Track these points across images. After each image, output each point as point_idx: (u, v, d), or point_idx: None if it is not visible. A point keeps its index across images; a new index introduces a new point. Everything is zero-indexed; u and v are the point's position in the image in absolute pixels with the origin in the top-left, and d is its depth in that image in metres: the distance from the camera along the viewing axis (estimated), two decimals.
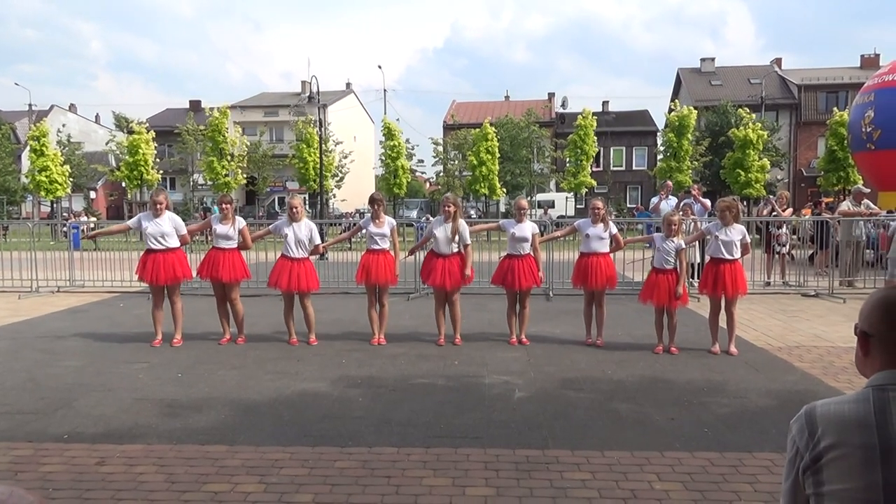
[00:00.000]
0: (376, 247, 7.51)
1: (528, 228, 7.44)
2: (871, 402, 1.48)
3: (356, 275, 7.67)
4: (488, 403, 5.38)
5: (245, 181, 38.85)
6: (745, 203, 28.89)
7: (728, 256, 6.94)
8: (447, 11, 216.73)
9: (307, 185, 35.97)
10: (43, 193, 31.85)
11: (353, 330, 8.12)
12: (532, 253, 7.44)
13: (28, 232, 13.43)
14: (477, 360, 6.81)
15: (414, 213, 36.71)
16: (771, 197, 13.80)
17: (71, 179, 33.39)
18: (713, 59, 51.69)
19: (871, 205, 12.83)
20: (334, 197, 41.36)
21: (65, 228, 20.68)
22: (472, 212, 37.92)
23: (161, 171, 36.16)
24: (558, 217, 30.55)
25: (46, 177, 31.00)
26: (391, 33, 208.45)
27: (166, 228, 7.36)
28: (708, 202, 13.03)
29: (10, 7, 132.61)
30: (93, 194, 47.25)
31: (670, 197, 13.10)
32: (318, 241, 7.63)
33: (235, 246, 7.62)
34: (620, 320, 8.47)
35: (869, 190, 13.12)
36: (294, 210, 7.50)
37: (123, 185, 36.07)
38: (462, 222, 7.41)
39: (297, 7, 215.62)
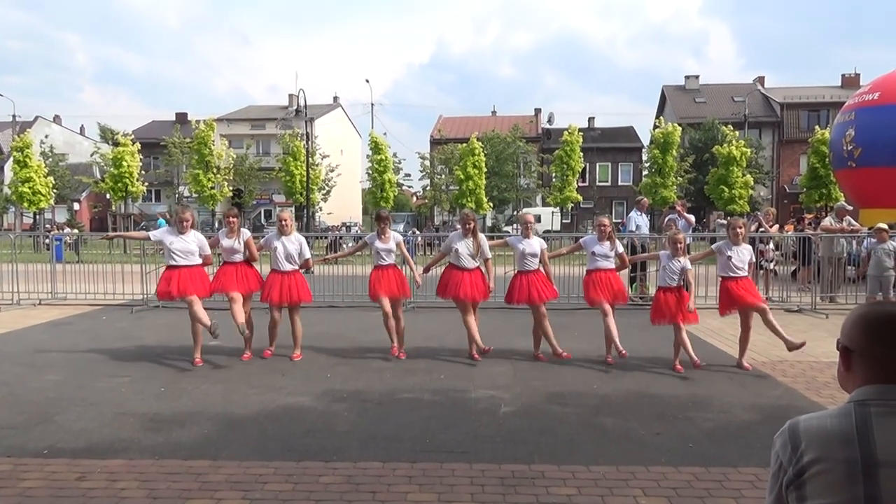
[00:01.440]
0: (383, 262, 7.56)
1: (536, 244, 7.44)
2: (852, 417, 1.49)
3: (369, 292, 7.63)
4: (474, 418, 5.37)
5: (231, 194, 38.72)
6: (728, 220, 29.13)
7: (742, 274, 6.99)
8: (433, 27, 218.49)
9: (294, 199, 35.94)
10: (26, 205, 31.54)
11: (338, 344, 8.08)
12: (542, 268, 7.46)
13: (9, 244, 13.28)
14: (463, 374, 6.80)
15: (401, 227, 36.73)
16: (758, 213, 13.96)
17: (54, 191, 33.10)
18: (697, 77, 52.42)
19: (853, 221, 13.01)
20: (321, 210, 41.32)
21: (47, 240, 20.49)
22: (459, 226, 37.97)
23: (146, 184, 35.94)
24: (544, 232, 30.70)
25: (30, 188, 30.70)
26: (377, 48, 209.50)
27: (192, 247, 7.23)
28: (692, 217, 13.17)
29: None
30: (76, 206, 46.85)
31: (643, 214, 13.20)
32: (307, 255, 7.58)
33: (244, 259, 7.58)
34: (601, 334, 8.47)
35: (851, 207, 13.31)
36: (284, 223, 7.47)
37: (108, 196, 35.81)
38: (483, 236, 7.45)
39: (283, 21, 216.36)
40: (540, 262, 7.43)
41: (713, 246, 7.48)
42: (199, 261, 7.33)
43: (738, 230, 7.08)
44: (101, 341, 8.47)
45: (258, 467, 4.29)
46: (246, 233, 7.65)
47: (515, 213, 42.29)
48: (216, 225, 35.37)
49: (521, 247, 7.41)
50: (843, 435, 1.47)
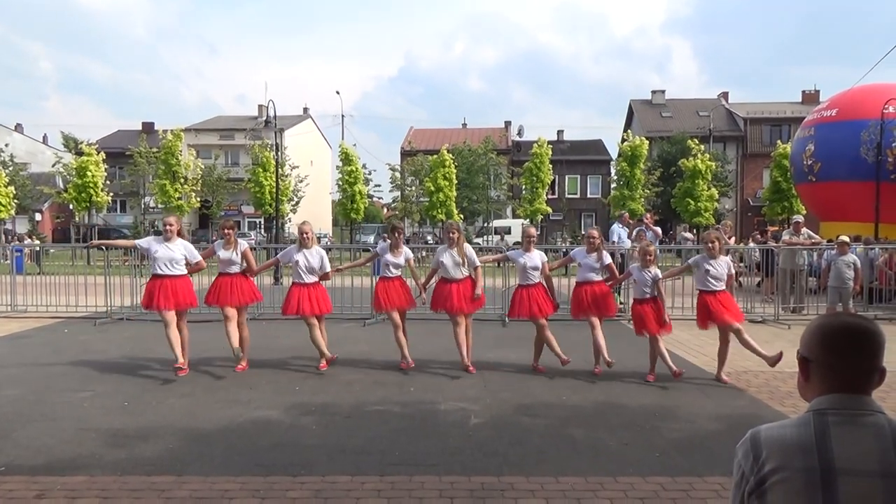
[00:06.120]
0: (390, 274, 7.58)
1: (537, 257, 7.49)
2: (811, 427, 1.53)
3: (374, 304, 7.69)
4: (444, 430, 5.36)
5: (199, 205, 38.20)
6: (694, 232, 29.65)
7: (719, 287, 7.03)
8: (401, 42, 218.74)
9: (263, 210, 35.61)
10: None
11: (307, 356, 8.00)
12: (543, 281, 7.49)
13: None
14: (433, 386, 6.78)
15: (371, 238, 36.60)
16: (718, 226, 14.28)
17: (15, 201, 32.29)
18: (663, 92, 53.37)
19: (812, 234, 13.32)
20: (290, 221, 40.99)
21: (7, 251, 19.97)
22: (430, 237, 38.04)
23: (111, 194, 35.27)
24: (514, 244, 30.80)
25: None
26: (346, 61, 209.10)
27: (177, 255, 7.13)
28: (659, 230, 13.41)
29: None
30: (38, 216, 45.76)
31: (625, 227, 13.41)
32: (328, 268, 7.58)
33: (240, 270, 7.52)
34: (576, 346, 8.53)
35: (801, 219, 13.58)
36: (305, 236, 7.46)
37: (71, 207, 35.07)
38: (467, 245, 7.48)
39: (251, 33, 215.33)
40: (541, 274, 7.48)
41: (690, 261, 7.56)
42: (184, 271, 7.23)
43: (709, 245, 7.15)
44: (62, 355, 8.27)
45: (224, 482, 4.23)
46: (243, 244, 7.60)
47: (486, 224, 42.46)
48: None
49: (522, 261, 7.45)
50: (802, 444, 1.50)
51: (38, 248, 21.25)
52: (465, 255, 7.35)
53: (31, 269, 16.89)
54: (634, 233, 12.55)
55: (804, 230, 13.02)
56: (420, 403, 6.14)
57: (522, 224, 40.15)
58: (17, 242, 23.72)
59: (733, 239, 13.68)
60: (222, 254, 7.50)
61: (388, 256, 7.57)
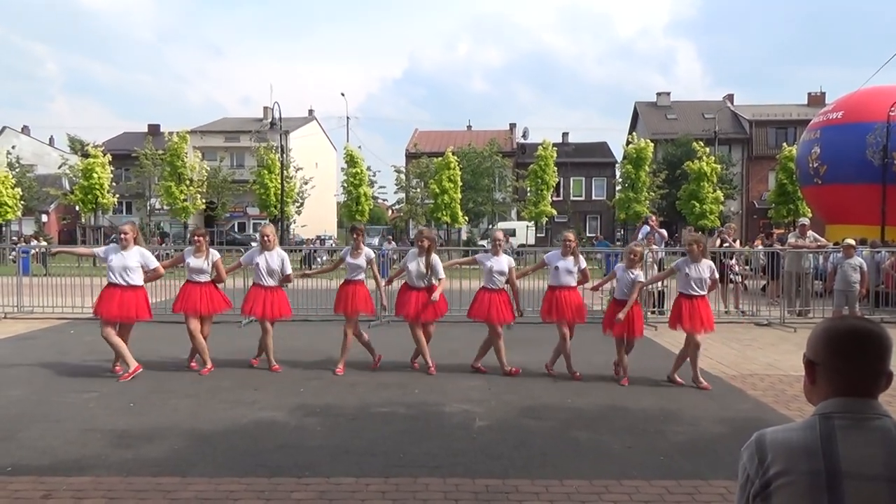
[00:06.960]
0: (350, 277, 7.59)
1: (504, 261, 7.43)
2: (817, 430, 1.52)
3: (334, 305, 7.74)
4: (448, 432, 5.36)
5: (204, 206, 38.32)
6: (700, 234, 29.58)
7: (699, 292, 6.97)
8: (403, 42, 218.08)
9: (268, 211, 35.71)
10: None
11: (311, 358, 8.02)
12: (508, 286, 7.43)
13: None
14: (437, 388, 6.78)
15: (376, 241, 36.62)
16: (722, 229, 14.25)
17: (22, 202, 32.43)
18: (668, 94, 53.25)
19: (818, 237, 13.28)
20: (295, 223, 41.07)
21: (13, 253, 20.06)
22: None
23: (117, 196, 35.43)
24: (519, 246, 30.81)
25: None
26: (350, 63, 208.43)
27: (130, 263, 7.04)
28: (665, 232, 13.40)
29: None
30: (45, 218, 45.95)
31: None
32: (288, 270, 7.58)
33: (210, 279, 7.51)
34: (580, 349, 8.50)
35: (807, 221, 13.55)
36: (266, 239, 7.47)
37: (77, 209, 35.23)
38: (435, 257, 7.41)
39: (256, 34, 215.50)
40: (507, 280, 7.42)
41: (673, 264, 7.53)
42: (140, 280, 7.13)
43: (690, 247, 7.09)
44: (68, 356, 8.30)
45: (229, 483, 4.24)
46: (215, 253, 7.59)
47: (491, 226, 42.44)
48: (187, 238, 34.96)
49: (488, 264, 7.40)
50: (807, 447, 1.50)
51: (44, 251, 21.31)
52: (431, 267, 7.31)
53: (38, 270, 16.96)
54: (642, 235, 12.55)
55: (810, 233, 12.98)
56: (424, 405, 6.14)
57: (527, 225, 40.21)
58: (24, 244, 23.81)
59: (738, 242, 13.63)
60: (192, 261, 7.42)
61: (349, 259, 7.58)
